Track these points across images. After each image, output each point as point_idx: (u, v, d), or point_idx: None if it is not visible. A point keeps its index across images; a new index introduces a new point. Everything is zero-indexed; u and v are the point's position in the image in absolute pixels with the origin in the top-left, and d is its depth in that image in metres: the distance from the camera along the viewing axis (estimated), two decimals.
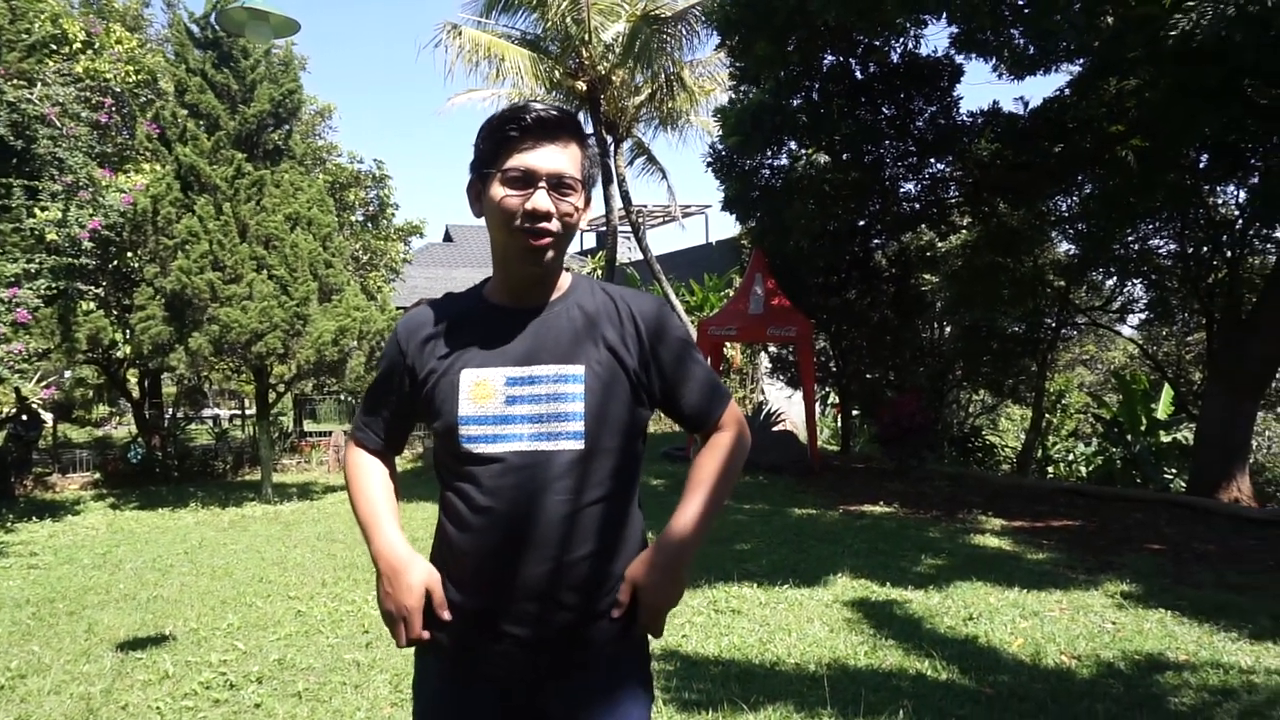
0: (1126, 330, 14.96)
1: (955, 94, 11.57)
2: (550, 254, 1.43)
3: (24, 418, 11.64)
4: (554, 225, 1.41)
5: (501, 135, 1.40)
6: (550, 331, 1.46)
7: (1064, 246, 13.48)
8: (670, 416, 1.60)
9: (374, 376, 1.64)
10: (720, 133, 12.00)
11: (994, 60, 10.02)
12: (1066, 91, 10.95)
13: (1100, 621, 4.59)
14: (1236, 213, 11.57)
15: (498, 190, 1.40)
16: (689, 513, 1.50)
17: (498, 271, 1.52)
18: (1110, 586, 5.26)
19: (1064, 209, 12.64)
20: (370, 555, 1.50)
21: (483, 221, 1.48)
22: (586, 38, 14.39)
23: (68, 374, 17.21)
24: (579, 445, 1.42)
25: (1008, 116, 11.37)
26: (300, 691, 3.87)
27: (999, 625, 4.53)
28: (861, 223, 13.04)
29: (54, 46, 10.27)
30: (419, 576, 1.45)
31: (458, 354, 1.46)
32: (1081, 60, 10.11)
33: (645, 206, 25.18)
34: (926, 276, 13.72)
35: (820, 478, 10.01)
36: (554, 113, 1.42)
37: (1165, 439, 12.30)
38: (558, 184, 1.41)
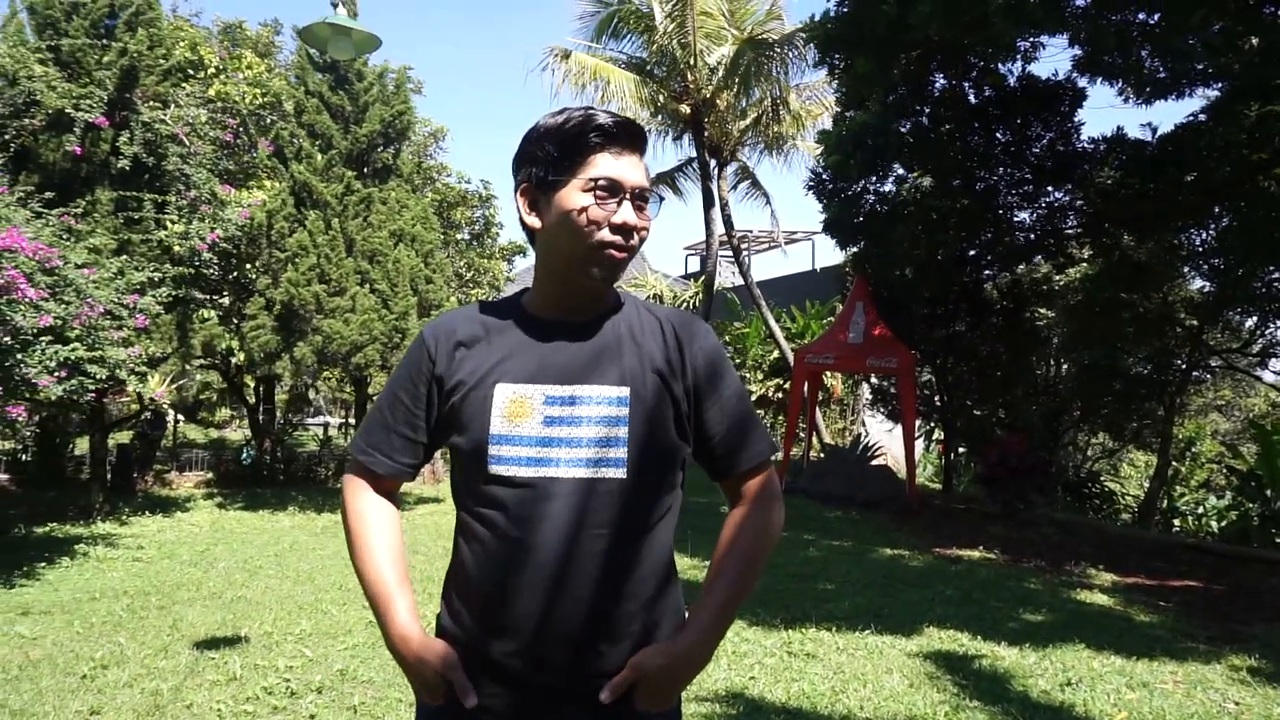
0: (1268, 376, 13.76)
1: (1076, 119, 10.96)
2: (623, 269, 1.34)
3: (149, 417, 12.37)
4: (634, 240, 1.33)
5: (582, 142, 1.30)
6: (596, 349, 1.35)
7: (1197, 283, 12.53)
8: (699, 459, 1.45)
9: (386, 390, 1.43)
10: (822, 155, 11.76)
11: (1120, 84, 9.46)
12: (1202, 117, 10.20)
13: (1220, 700, 4.10)
14: None
15: (578, 198, 1.29)
16: (708, 620, 1.36)
17: (548, 283, 1.38)
18: (1236, 660, 4.72)
19: (1197, 243, 11.76)
20: (383, 637, 1.36)
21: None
22: (692, 61, 14.40)
23: (198, 377, 18.30)
24: (621, 474, 1.30)
25: (1134, 143, 10.68)
26: (356, 705, 3.85)
27: (1100, 694, 4.11)
28: (972, 252, 12.50)
29: (190, 71, 10.98)
30: (436, 667, 1.30)
31: (493, 366, 1.33)
32: (1219, 84, 9.41)
33: (750, 232, 24.97)
34: (1041, 310, 13.00)
35: (917, 517, 9.53)
36: (634, 122, 1.35)
37: None
38: (639, 196, 1.33)
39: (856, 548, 7.61)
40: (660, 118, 15.76)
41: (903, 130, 11.05)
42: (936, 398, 12.83)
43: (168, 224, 8.92)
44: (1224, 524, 12.01)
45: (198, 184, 9.17)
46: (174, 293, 8.65)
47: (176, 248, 8.81)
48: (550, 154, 1.31)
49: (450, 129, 19.13)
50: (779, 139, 16.35)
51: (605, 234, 1.29)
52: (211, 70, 11.65)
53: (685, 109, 15.01)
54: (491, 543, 1.29)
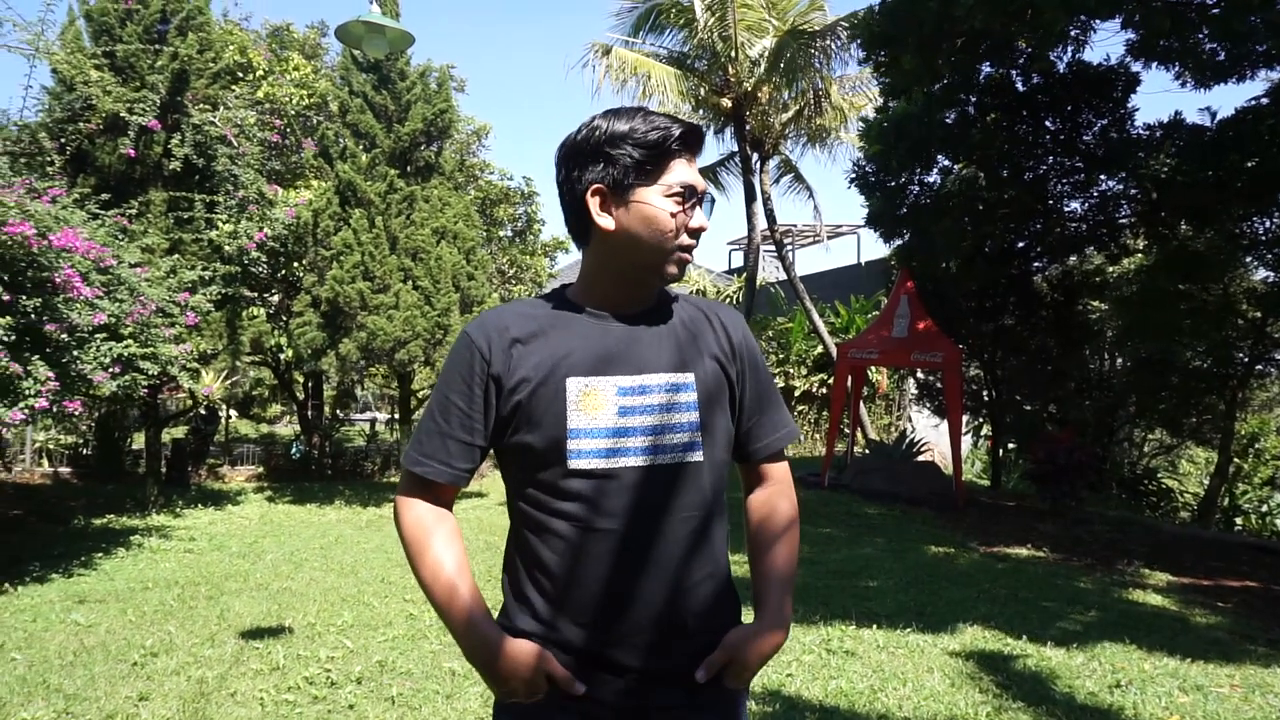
0: None
1: (1130, 105, 10.63)
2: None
3: (203, 413, 12.70)
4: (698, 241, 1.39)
5: (665, 148, 1.34)
6: (655, 339, 1.38)
7: (1260, 273, 12.07)
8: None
9: (436, 395, 1.38)
10: (864, 147, 11.60)
11: (1176, 67, 9.15)
12: (1264, 100, 9.81)
13: (1279, 704, 3.95)
14: None
15: (663, 203, 1.33)
16: (780, 600, 1.44)
17: (606, 280, 1.39)
18: None
19: (1260, 231, 11.32)
20: (466, 649, 1.31)
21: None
22: (733, 54, 14.30)
23: (250, 373, 18.74)
24: (699, 458, 1.36)
25: (1191, 129, 10.32)
26: (394, 696, 3.89)
27: (1151, 697, 3.98)
28: (1020, 244, 12.23)
29: (239, 74, 11.22)
30: (532, 664, 1.29)
31: (559, 361, 1.32)
32: None
33: (793, 226, 24.74)
34: (1094, 303, 12.65)
35: (964, 514, 9.34)
36: (701, 129, 1.41)
37: None
38: (702, 200, 1.39)
39: (900, 545, 7.49)
40: (701, 112, 15.67)
41: (947, 121, 10.83)
42: (984, 393, 12.57)
43: (218, 224, 9.13)
44: None
45: (246, 184, 9.36)
46: (224, 291, 8.85)
47: (226, 247, 9.02)
48: (631, 158, 1.33)
49: (493, 127, 19.33)
50: (821, 131, 16.15)
51: (684, 238, 1.34)
52: (260, 73, 11.89)
53: (726, 103, 14.91)
54: (578, 537, 1.30)
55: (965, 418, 12.63)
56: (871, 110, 14.25)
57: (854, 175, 11.56)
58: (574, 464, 1.29)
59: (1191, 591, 6.23)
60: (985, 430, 13.82)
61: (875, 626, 4.99)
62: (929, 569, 6.63)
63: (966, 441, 14.46)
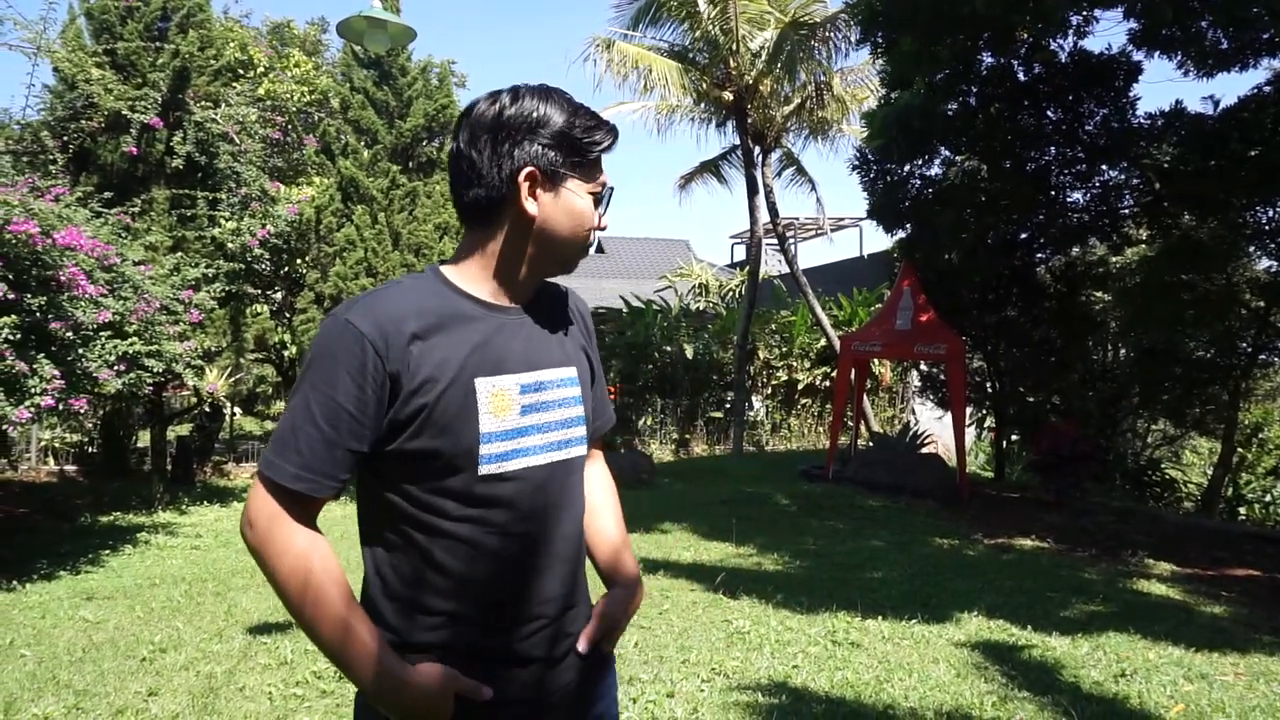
0: None
1: (1132, 94, 10.61)
2: None
3: (207, 410, 12.73)
4: None
5: (598, 148, 1.31)
6: (543, 332, 1.36)
7: (1264, 263, 12.04)
8: None
9: (316, 396, 1.18)
10: (866, 138, 11.59)
11: (1179, 56, 9.12)
12: (1267, 89, 9.78)
13: None
14: None
15: (585, 199, 1.31)
16: (634, 563, 1.55)
17: (509, 268, 1.30)
18: None
19: (1263, 220, 11.29)
20: (370, 689, 1.19)
21: (565, 225, 1.33)
22: (734, 47, 14.27)
23: (254, 371, 18.77)
24: (583, 451, 1.40)
25: (1194, 118, 10.28)
26: None
27: (1156, 686, 3.99)
28: (1023, 235, 12.21)
29: (240, 71, 11.22)
30: (440, 686, 1.21)
31: (464, 359, 1.23)
32: None
33: (795, 219, 24.71)
34: (1097, 294, 12.63)
35: (968, 505, 9.36)
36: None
37: None
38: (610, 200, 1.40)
39: (905, 537, 7.50)
40: (703, 106, 15.66)
41: (949, 112, 10.82)
42: (988, 384, 12.56)
43: (220, 221, 9.15)
44: None
45: (248, 181, 9.38)
46: (227, 288, 8.88)
47: (229, 244, 9.04)
48: (571, 147, 1.28)
49: None
50: (823, 124, 16.12)
51: (593, 235, 1.34)
52: (261, 69, 11.89)
53: (728, 96, 14.88)
54: (484, 540, 1.24)
55: (969, 409, 12.62)
56: (874, 102, 14.22)
57: (855, 165, 11.54)
58: (484, 469, 1.23)
59: (1196, 581, 6.24)
60: (989, 422, 13.81)
61: (880, 618, 5.01)
62: (933, 561, 6.65)
63: (970, 433, 14.45)
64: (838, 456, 10.97)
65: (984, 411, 13.26)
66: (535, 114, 1.26)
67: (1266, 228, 11.30)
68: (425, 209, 10.30)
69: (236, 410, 19.01)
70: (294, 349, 10.95)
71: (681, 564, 6.46)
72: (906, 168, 11.51)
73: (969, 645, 4.59)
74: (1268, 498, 12.51)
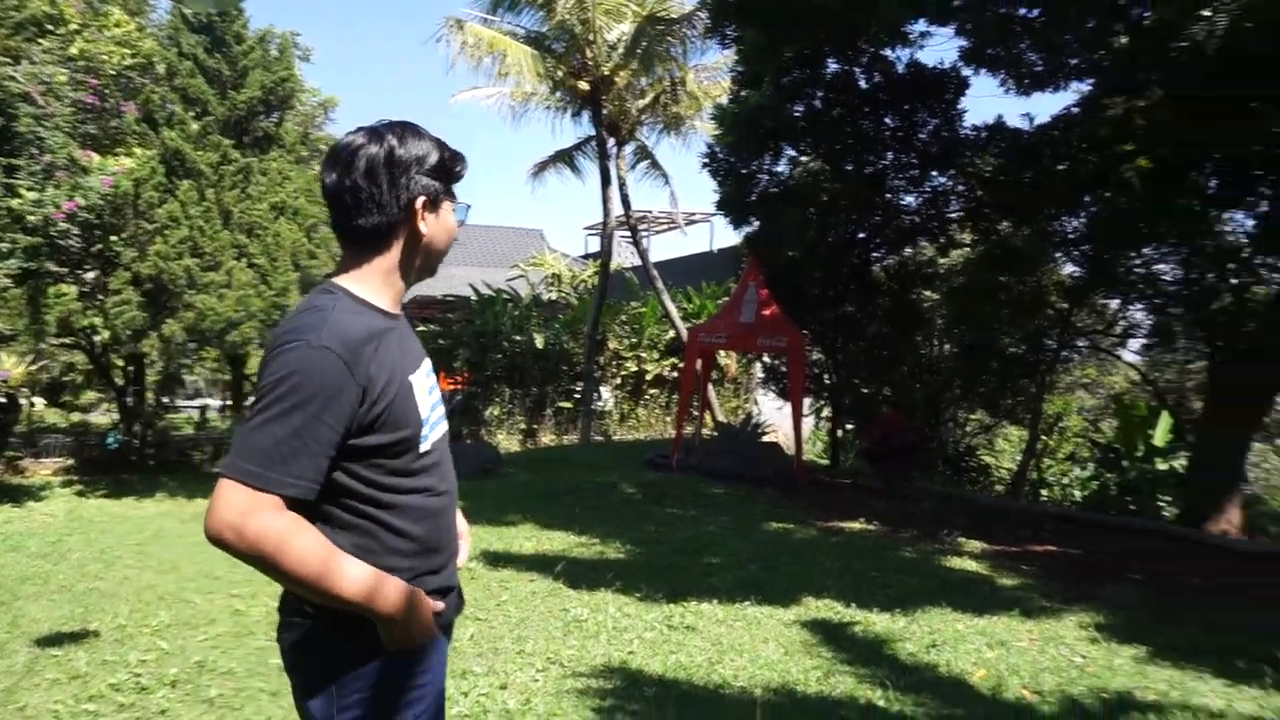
0: (1128, 355, 14.67)
1: (960, 107, 11.36)
2: None
3: (2, 400, 11.49)
4: None
5: (461, 172, 1.61)
6: (410, 331, 1.64)
7: (1068, 268, 13.20)
8: None
9: (305, 412, 1.35)
10: (717, 134, 11.85)
11: (1002, 75, 9.79)
12: (1074, 110, 10.71)
13: (1070, 655, 4.34)
14: (1245, 240, 11.28)
15: (453, 216, 1.61)
16: None
17: (400, 279, 1.57)
18: (1086, 618, 5.01)
19: (1069, 229, 12.37)
20: (390, 606, 1.42)
21: (440, 224, 1.60)
22: (591, 37, 14.24)
23: (61, 357, 17.12)
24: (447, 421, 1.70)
25: (1012, 132, 11.13)
26: (213, 698, 3.66)
27: (962, 654, 4.29)
28: (861, 235, 12.84)
29: (49, 26, 10.15)
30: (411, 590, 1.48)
31: (396, 362, 1.49)
32: (1090, 79, 9.89)
33: (649, 212, 25.01)
34: (926, 293, 13.46)
35: (804, 492, 9.76)
36: None
37: (1161, 467, 11.97)
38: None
39: (744, 523, 7.74)
40: (559, 94, 15.55)
41: (796, 113, 11.22)
42: (826, 376, 13.15)
43: (19, 191, 8.26)
44: (1085, 493, 12.76)
45: (54, 148, 8.52)
46: (25, 265, 8.03)
47: (29, 217, 8.18)
48: (448, 175, 1.58)
49: (341, 100, 18.24)
50: (677, 119, 16.38)
51: (448, 247, 1.64)
52: (73, 26, 10.79)
53: (584, 86, 14.83)
54: (426, 503, 1.53)
55: (807, 400, 13.18)
56: (726, 100, 14.57)
57: (706, 160, 11.78)
58: (423, 448, 1.52)
59: (1001, 557, 6.76)
60: (826, 412, 14.46)
61: (716, 601, 5.13)
62: (770, 545, 6.89)
63: (808, 423, 15.09)
64: (683, 445, 11.18)
65: (822, 402, 13.87)
66: (419, 151, 1.53)
67: (1071, 236, 12.38)
68: (260, 187, 9.69)
69: (38, 400, 17.31)
70: (106, 334, 10.05)
71: (523, 555, 6.39)
72: (755, 164, 11.86)
73: (799, 624, 4.78)
74: (1065, 480, 13.74)
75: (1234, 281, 11.32)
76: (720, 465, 10.26)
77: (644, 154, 17.30)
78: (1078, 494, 12.87)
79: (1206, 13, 6.03)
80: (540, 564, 6.02)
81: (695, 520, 7.80)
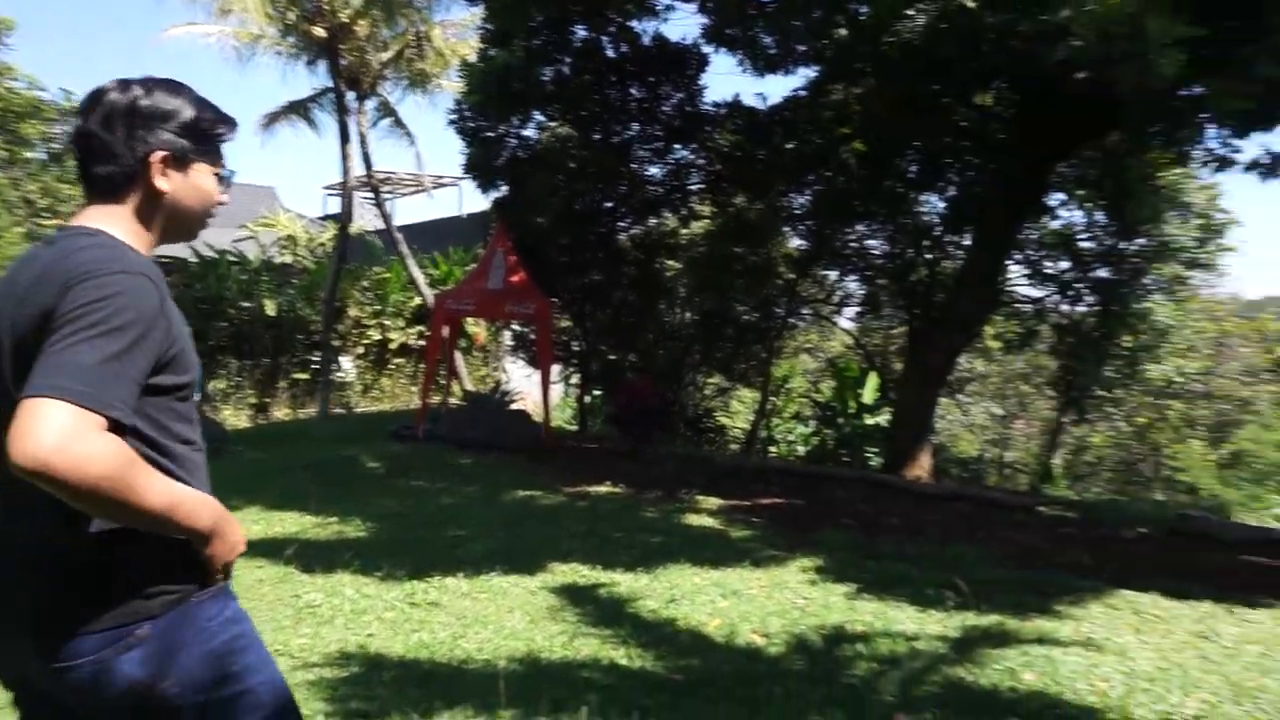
0: (843, 322, 16.23)
1: (701, 83, 11.82)
2: None
3: None
4: None
5: (221, 137, 1.59)
6: None
7: (795, 241, 14.30)
8: None
9: (127, 335, 1.31)
10: (464, 92, 11.48)
11: (739, 54, 10.25)
12: (802, 93, 11.52)
13: (793, 598, 4.71)
14: (937, 220, 12.82)
15: (211, 182, 1.57)
16: None
17: (136, 232, 1.50)
18: (806, 562, 5.46)
19: (795, 205, 13.39)
20: (209, 519, 1.42)
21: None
22: None
23: None
24: None
25: (748, 110, 11.78)
26: None
27: (699, 606, 4.50)
28: (608, 204, 13.05)
29: None
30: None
31: (173, 307, 1.46)
32: (816, 65, 10.64)
33: (394, 173, 23.85)
34: (669, 262, 14.01)
35: (553, 459, 9.82)
36: None
37: (869, 422, 13.44)
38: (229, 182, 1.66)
39: (491, 492, 7.62)
40: (291, 39, 14.27)
41: (544, 77, 11.11)
42: (574, 343, 13.32)
43: None
44: (808, 448, 14.04)
45: None
46: None
47: None
48: (201, 134, 1.54)
49: (18, 22, 15.37)
50: (423, 76, 15.67)
51: (212, 211, 1.62)
52: None
53: (319, 32, 13.71)
54: (195, 456, 1.51)
55: (556, 367, 13.29)
56: (474, 59, 14.12)
57: (454, 119, 11.38)
58: (196, 396, 1.53)
59: (734, 512, 7.20)
60: (575, 379, 14.68)
61: (462, 574, 5.00)
62: (517, 513, 6.85)
63: (558, 390, 15.25)
64: (430, 415, 10.84)
65: (571, 369, 14.05)
66: (168, 107, 1.50)
67: (798, 212, 13.43)
68: None
69: None
70: None
71: (249, 540, 5.85)
72: (503, 127, 11.62)
73: (545, 590, 4.77)
74: (791, 437, 15.02)
75: (928, 256, 12.90)
76: (468, 435, 10.05)
77: (387, 111, 16.38)
78: (801, 449, 14.12)
79: (911, 13, 6.65)
80: (270, 548, 5.53)
81: (441, 492, 7.57)
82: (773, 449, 14.55)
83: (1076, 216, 12.34)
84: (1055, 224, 12.42)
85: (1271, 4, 5.56)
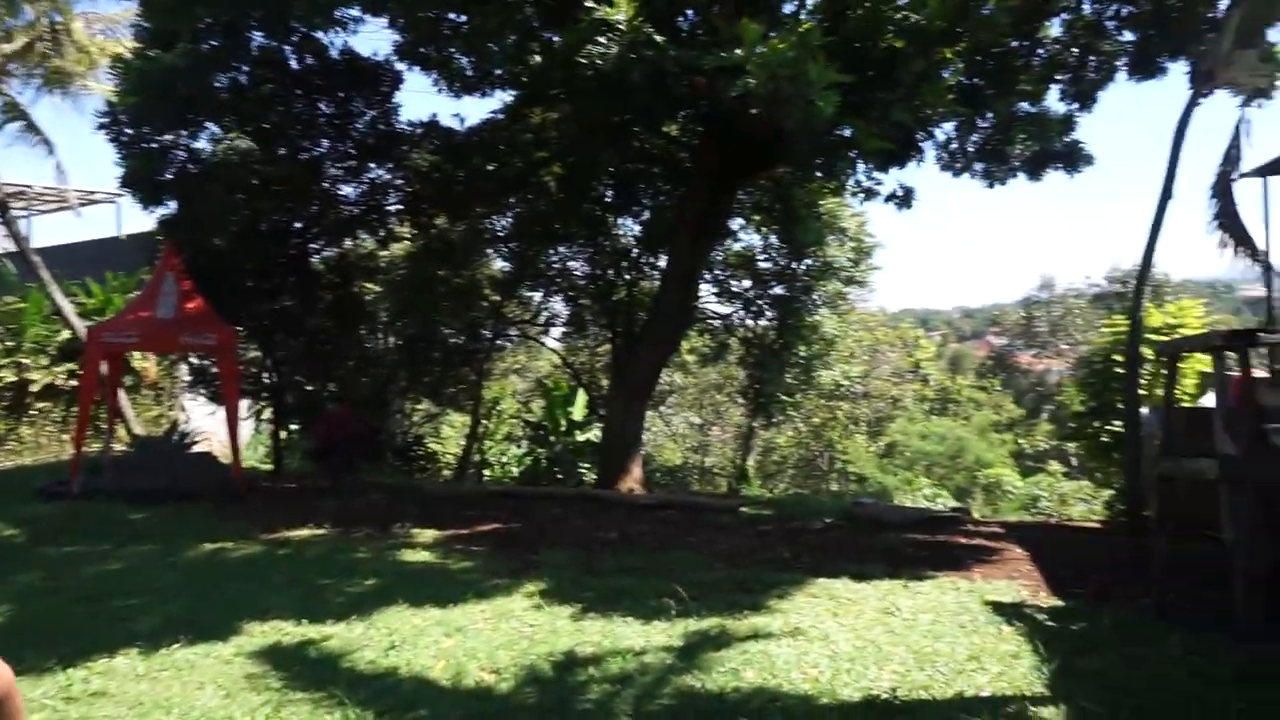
0: (550, 342, 16.50)
1: (395, 100, 11.46)
2: None
3: None
4: None
5: None
6: None
7: (498, 263, 14.29)
8: None
9: None
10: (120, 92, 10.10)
11: (435, 74, 10.03)
12: (500, 116, 11.56)
13: (520, 626, 4.60)
14: (634, 242, 13.47)
15: None
16: None
17: None
18: (530, 586, 5.38)
19: (498, 227, 13.39)
20: None
21: None
22: None
23: None
24: None
25: (446, 131, 11.60)
26: None
27: (422, 650, 4.24)
28: (298, 224, 12.15)
29: None
30: None
31: None
32: (513, 90, 10.72)
33: (29, 188, 20.36)
34: (368, 285, 13.36)
35: (246, 502, 8.86)
36: None
37: (581, 438, 13.76)
38: None
39: (170, 549, 6.65)
40: None
41: (219, 84, 10.08)
42: (265, 375, 12.19)
43: None
44: (521, 469, 14.04)
45: None
46: None
47: None
48: None
49: None
50: (62, 75, 13.57)
51: None
52: None
53: None
54: None
55: (245, 402, 12.07)
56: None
57: (106, 123, 9.94)
58: None
59: (453, 542, 6.95)
60: (267, 414, 13.45)
61: (135, 652, 4.27)
62: (204, 570, 6.05)
63: (248, 427, 13.90)
64: (87, 466, 9.31)
65: (262, 403, 12.85)
66: None
67: (500, 233, 13.44)
68: None
69: None
70: None
71: None
72: (170, 137, 10.36)
73: (242, 657, 4.23)
74: (504, 458, 14.94)
75: (627, 277, 13.50)
76: (139, 484, 8.77)
77: (15, 113, 13.93)
78: (515, 470, 14.08)
79: (602, 41, 6.90)
80: None
81: (105, 556, 6.47)
82: (487, 472, 14.36)
83: (755, 240, 13.63)
84: (738, 246, 13.61)
85: (903, 60, 6.49)
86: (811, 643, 4.14)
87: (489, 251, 13.83)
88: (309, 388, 12.55)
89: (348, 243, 12.98)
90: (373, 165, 11.93)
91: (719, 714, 3.33)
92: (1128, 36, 8.68)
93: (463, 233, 12.70)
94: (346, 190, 12.14)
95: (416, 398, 14.49)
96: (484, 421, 14.95)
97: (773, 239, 13.29)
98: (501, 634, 4.49)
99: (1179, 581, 4.90)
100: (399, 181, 12.19)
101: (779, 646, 4.07)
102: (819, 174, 9.66)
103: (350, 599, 5.20)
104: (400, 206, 12.39)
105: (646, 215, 12.65)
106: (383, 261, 13.44)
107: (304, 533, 7.32)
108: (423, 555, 6.45)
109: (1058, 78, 9.10)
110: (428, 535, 7.18)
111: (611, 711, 3.41)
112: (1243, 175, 7.00)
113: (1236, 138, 6.94)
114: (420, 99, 28.82)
